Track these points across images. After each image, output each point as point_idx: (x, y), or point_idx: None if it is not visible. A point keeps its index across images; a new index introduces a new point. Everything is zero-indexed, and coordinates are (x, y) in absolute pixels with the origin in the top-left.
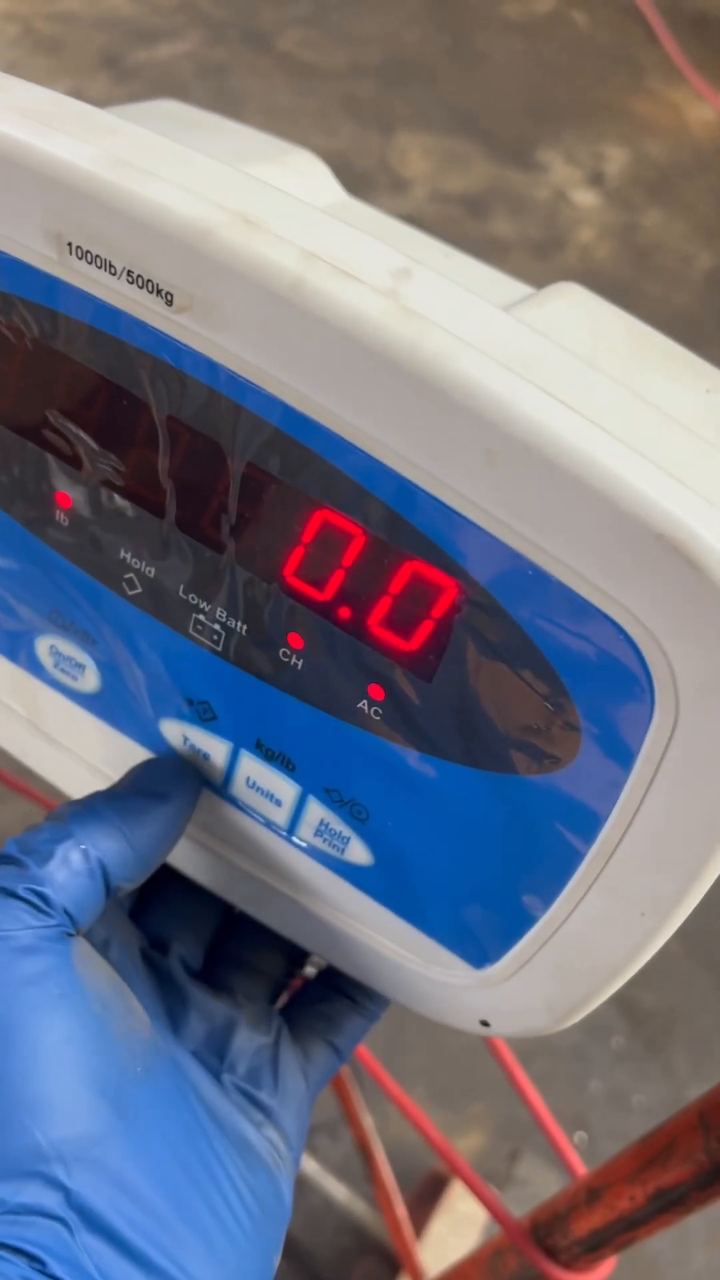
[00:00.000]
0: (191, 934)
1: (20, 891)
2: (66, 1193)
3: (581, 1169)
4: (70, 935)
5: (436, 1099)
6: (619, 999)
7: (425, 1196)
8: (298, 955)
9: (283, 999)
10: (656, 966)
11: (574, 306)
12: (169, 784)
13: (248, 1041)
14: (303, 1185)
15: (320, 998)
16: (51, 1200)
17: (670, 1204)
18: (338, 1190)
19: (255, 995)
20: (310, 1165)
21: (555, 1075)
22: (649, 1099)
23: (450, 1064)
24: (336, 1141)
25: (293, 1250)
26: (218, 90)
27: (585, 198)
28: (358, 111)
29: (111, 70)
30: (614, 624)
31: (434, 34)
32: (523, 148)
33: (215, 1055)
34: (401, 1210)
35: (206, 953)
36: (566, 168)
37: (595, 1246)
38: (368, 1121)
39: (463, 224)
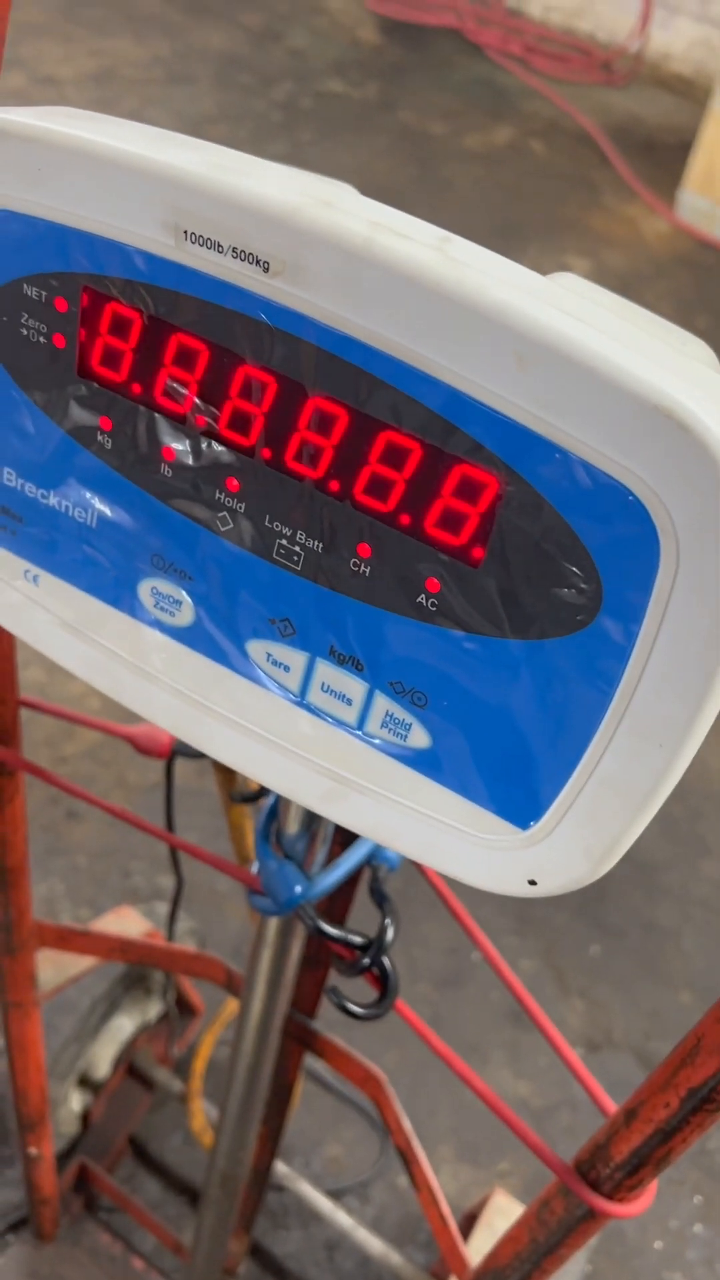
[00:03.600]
0: None
1: None
2: None
3: (613, 1108)
4: None
5: (464, 1157)
6: (639, 1053)
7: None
8: None
9: None
10: (674, 1018)
11: (575, 282)
12: None
13: None
14: (339, 1243)
15: None
16: None
17: (701, 1102)
18: (373, 1245)
19: None
20: (344, 1220)
21: (578, 1129)
22: None
23: (476, 1123)
24: (367, 1204)
25: None
26: None
27: None
28: None
29: None
30: (625, 488)
31: (403, 165)
32: None
33: None
34: (445, 1209)
35: None
36: None
37: (635, 1168)
38: (407, 1125)
39: None
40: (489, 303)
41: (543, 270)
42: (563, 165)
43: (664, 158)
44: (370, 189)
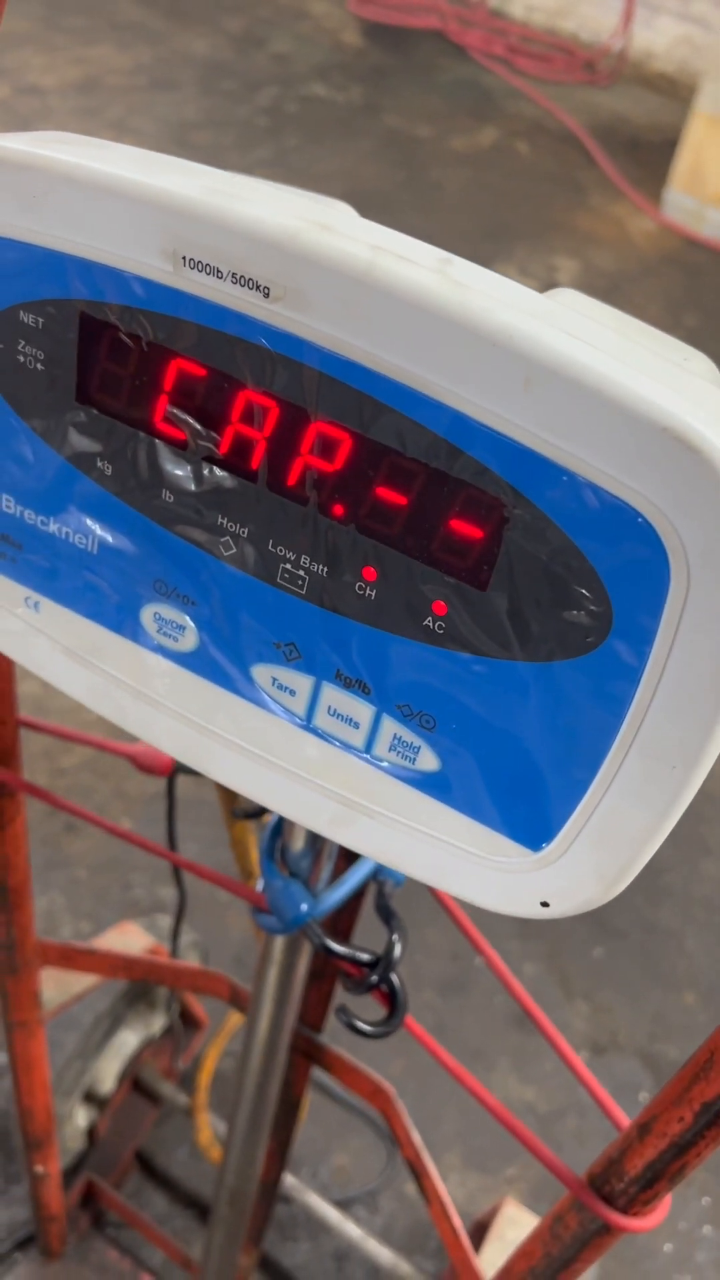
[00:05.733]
0: None
1: None
2: None
3: (625, 1120)
4: None
5: (471, 1164)
6: (644, 1055)
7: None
8: None
9: None
10: (678, 1021)
11: (575, 299)
12: None
13: None
14: (348, 1254)
15: None
16: None
17: (716, 1116)
18: (382, 1255)
19: None
20: (352, 1231)
21: (586, 1133)
22: None
23: (483, 1129)
24: (375, 1214)
25: None
26: None
27: None
28: None
29: None
30: (633, 510)
31: (389, 169)
32: (480, 264)
33: None
34: (457, 1221)
35: None
36: (522, 280)
37: (650, 1183)
38: (416, 1138)
39: None
40: (494, 326)
41: (531, 272)
42: (549, 166)
43: (649, 157)
44: (358, 193)
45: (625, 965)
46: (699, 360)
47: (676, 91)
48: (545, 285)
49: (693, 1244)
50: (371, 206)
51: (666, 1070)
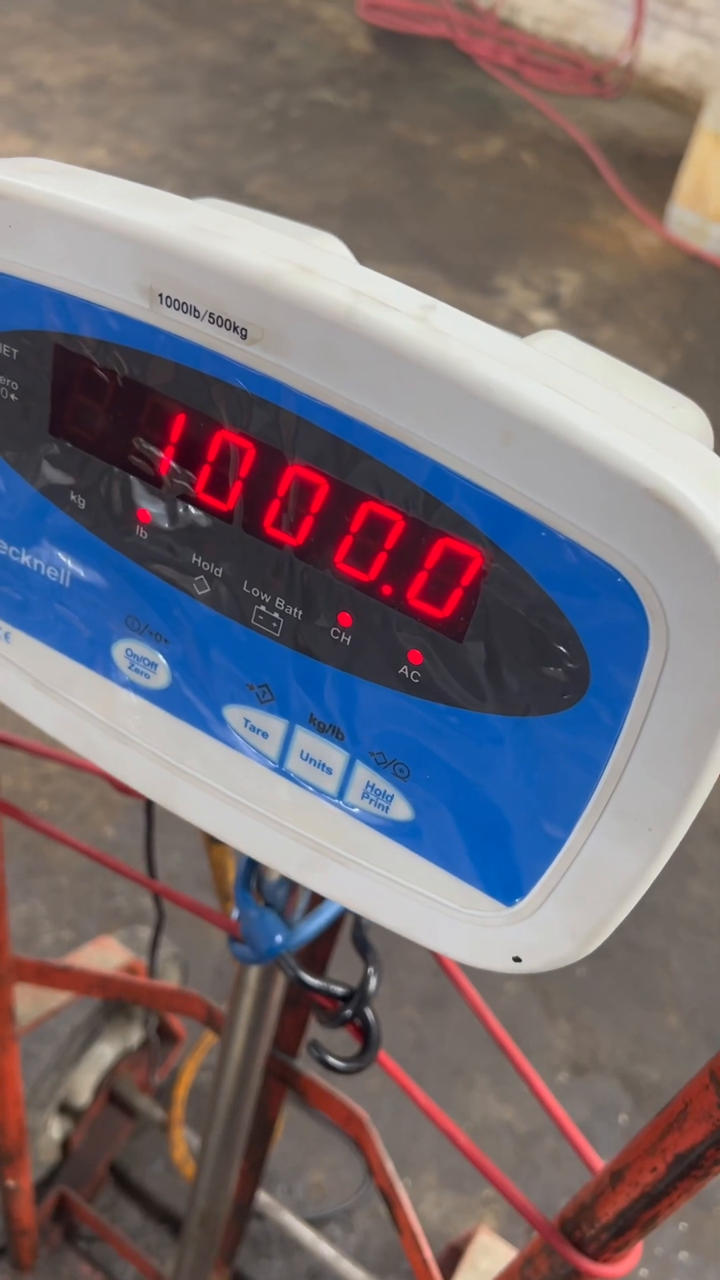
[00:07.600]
0: None
1: None
2: None
3: (600, 1164)
4: None
5: (448, 1184)
6: (624, 1077)
7: (444, 1270)
8: None
9: None
10: (659, 1042)
11: (561, 345)
12: None
13: None
14: (321, 1273)
15: None
16: None
17: (689, 1168)
18: (355, 1276)
19: None
20: (326, 1251)
21: (564, 1155)
22: None
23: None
24: (350, 1232)
25: None
26: None
27: (542, 318)
28: None
29: None
30: (613, 569)
31: (393, 176)
32: (481, 275)
33: None
34: (428, 1252)
35: None
36: (523, 291)
37: (621, 1230)
38: (389, 1167)
39: None
40: (473, 378)
41: (533, 284)
42: (553, 177)
43: (654, 171)
44: (360, 200)
45: (608, 985)
46: (687, 408)
47: (683, 106)
48: (548, 297)
49: (669, 1270)
50: (373, 214)
51: (647, 1091)
